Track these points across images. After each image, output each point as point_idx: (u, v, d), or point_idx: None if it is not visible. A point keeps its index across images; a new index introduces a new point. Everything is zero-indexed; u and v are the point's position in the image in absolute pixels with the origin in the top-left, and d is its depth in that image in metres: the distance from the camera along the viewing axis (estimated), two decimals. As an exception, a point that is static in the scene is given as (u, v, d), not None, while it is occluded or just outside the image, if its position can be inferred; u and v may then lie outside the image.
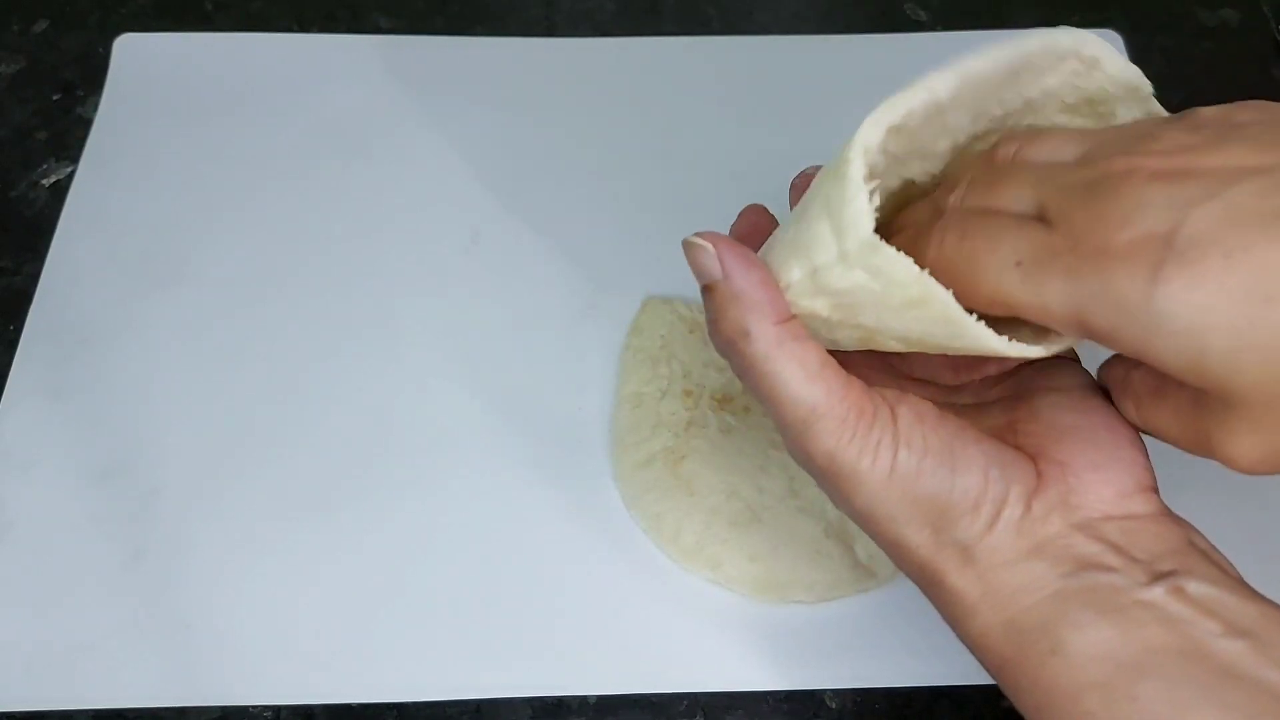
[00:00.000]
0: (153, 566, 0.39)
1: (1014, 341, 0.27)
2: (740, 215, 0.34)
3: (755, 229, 0.33)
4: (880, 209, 0.27)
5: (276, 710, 0.37)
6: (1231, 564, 0.28)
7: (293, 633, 0.38)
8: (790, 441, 0.29)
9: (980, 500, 0.28)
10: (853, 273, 0.27)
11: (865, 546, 0.38)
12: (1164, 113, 0.30)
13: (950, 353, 0.29)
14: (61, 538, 0.40)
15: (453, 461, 0.42)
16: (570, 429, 0.43)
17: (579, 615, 0.38)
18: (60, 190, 0.49)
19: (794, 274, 0.28)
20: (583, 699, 0.37)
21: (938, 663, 0.38)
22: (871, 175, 0.27)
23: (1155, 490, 0.29)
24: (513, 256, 0.48)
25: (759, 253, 0.31)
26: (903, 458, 0.28)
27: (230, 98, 0.52)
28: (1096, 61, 0.29)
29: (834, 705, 0.37)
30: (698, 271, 0.30)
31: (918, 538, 0.28)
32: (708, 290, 0.30)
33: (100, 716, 0.37)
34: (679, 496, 0.40)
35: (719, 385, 0.42)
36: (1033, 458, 0.29)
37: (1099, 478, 0.28)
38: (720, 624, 0.38)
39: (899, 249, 0.26)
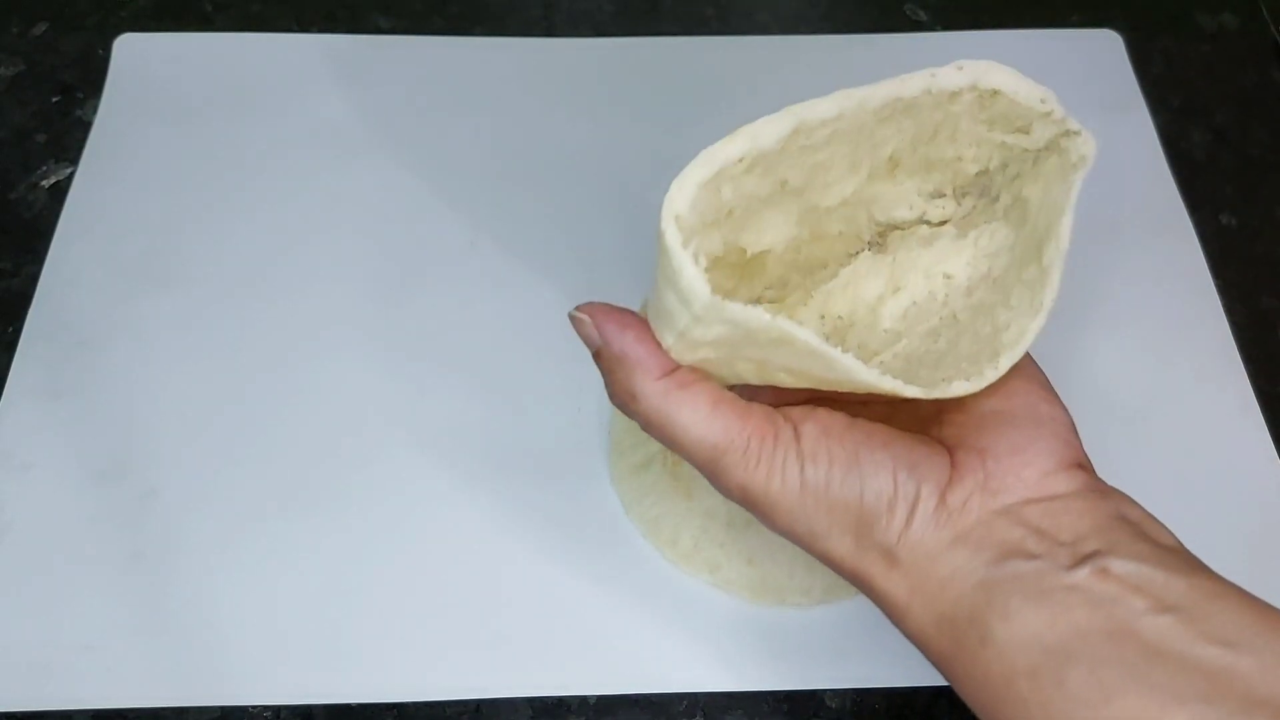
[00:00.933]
0: (152, 567, 0.39)
1: (888, 376, 0.27)
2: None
3: None
4: (792, 247, 0.28)
5: (276, 710, 0.37)
6: (1170, 532, 0.28)
7: (292, 633, 0.38)
8: (710, 481, 0.30)
9: (893, 502, 0.28)
10: (713, 328, 0.27)
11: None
12: (1077, 128, 0.30)
13: (840, 389, 0.29)
14: (60, 538, 0.40)
15: (451, 464, 0.42)
16: (568, 432, 0.43)
17: (578, 616, 0.38)
18: (59, 192, 0.49)
19: (667, 339, 0.28)
20: (582, 699, 0.37)
21: (937, 664, 0.38)
22: (703, 223, 0.27)
23: (1083, 466, 0.29)
24: (511, 257, 0.48)
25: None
26: (810, 472, 0.28)
27: (229, 98, 0.52)
28: (997, 94, 0.29)
29: (834, 705, 0.37)
30: (584, 341, 0.30)
31: (841, 547, 0.29)
32: (596, 357, 0.30)
33: (99, 716, 0.37)
34: (677, 500, 0.40)
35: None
36: (952, 449, 0.29)
37: (1018, 460, 0.28)
38: (719, 626, 0.38)
39: None
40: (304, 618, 0.38)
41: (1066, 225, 0.29)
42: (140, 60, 0.54)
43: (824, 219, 0.31)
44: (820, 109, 0.28)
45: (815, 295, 0.33)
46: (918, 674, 0.37)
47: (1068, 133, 0.29)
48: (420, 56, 0.54)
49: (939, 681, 0.37)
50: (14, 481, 0.41)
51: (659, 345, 0.29)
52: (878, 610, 0.38)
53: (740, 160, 0.27)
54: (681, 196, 0.26)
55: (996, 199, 0.31)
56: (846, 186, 0.30)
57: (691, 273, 0.26)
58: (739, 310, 0.26)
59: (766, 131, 0.27)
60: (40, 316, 0.45)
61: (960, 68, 0.29)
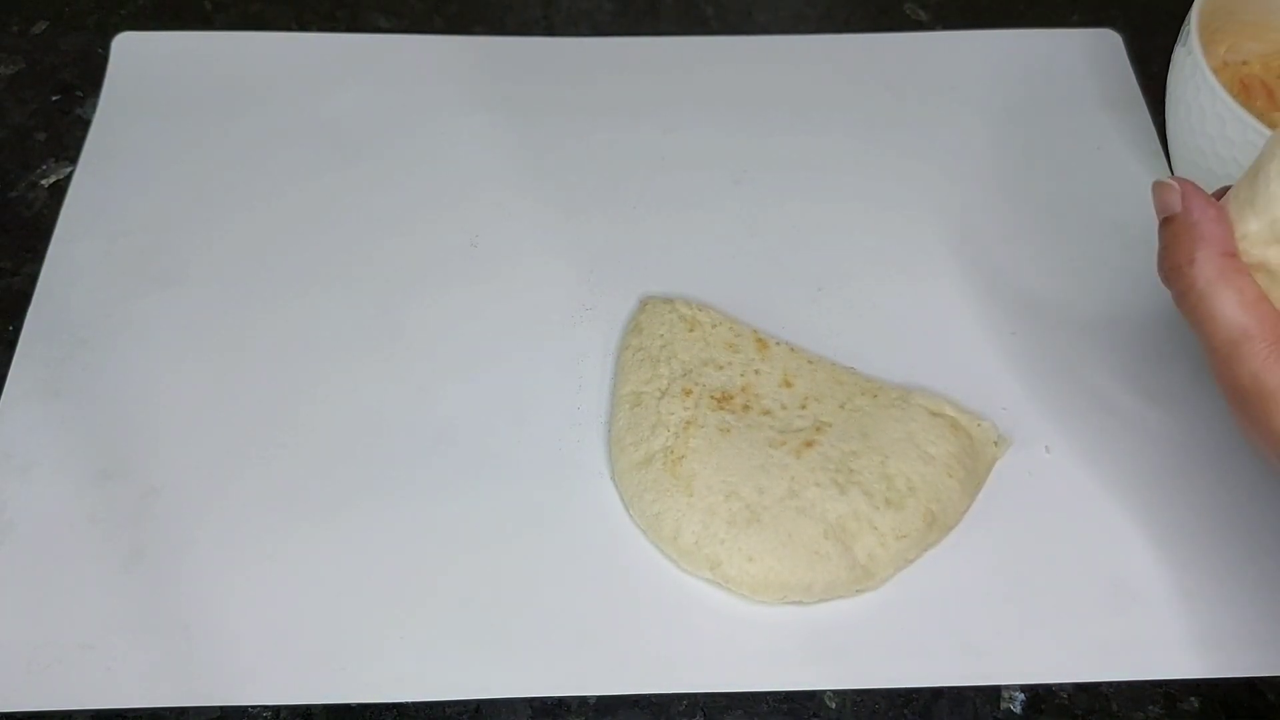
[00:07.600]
0: (152, 566, 0.39)
1: None
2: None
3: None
4: None
5: (275, 710, 0.37)
6: None
7: (291, 632, 0.38)
8: (1217, 364, 0.32)
9: None
10: None
11: (864, 548, 0.38)
12: None
13: None
14: (61, 538, 0.40)
15: (451, 462, 0.42)
16: (569, 429, 0.43)
17: (578, 615, 0.38)
18: (59, 191, 0.49)
19: (1250, 225, 0.30)
20: (582, 699, 0.37)
21: (937, 663, 0.38)
22: None
23: None
24: (511, 256, 0.48)
25: None
26: None
27: (229, 97, 0.52)
28: None
29: (834, 705, 0.37)
30: (1160, 206, 0.34)
31: None
32: (1166, 223, 0.34)
33: (99, 716, 0.37)
34: (677, 496, 0.40)
35: (718, 384, 0.42)
36: None
37: None
38: (719, 624, 0.38)
39: None
40: (304, 617, 0.38)
41: None
42: (140, 59, 0.54)
43: None
44: None
45: None
46: (918, 674, 0.37)
47: None
48: (420, 56, 0.54)
49: (939, 682, 0.37)
50: (14, 481, 0.41)
51: (1230, 229, 0.32)
52: (878, 609, 0.39)
53: None
54: None
55: None
56: None
57: None
58: None
59: None
60: (40, 315, 0.45)
61: None
